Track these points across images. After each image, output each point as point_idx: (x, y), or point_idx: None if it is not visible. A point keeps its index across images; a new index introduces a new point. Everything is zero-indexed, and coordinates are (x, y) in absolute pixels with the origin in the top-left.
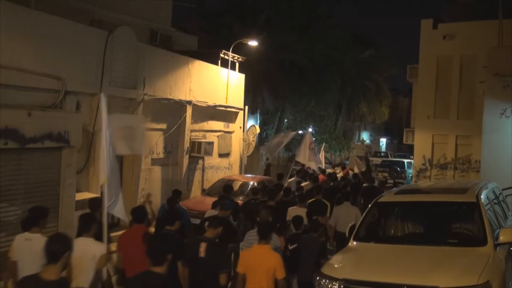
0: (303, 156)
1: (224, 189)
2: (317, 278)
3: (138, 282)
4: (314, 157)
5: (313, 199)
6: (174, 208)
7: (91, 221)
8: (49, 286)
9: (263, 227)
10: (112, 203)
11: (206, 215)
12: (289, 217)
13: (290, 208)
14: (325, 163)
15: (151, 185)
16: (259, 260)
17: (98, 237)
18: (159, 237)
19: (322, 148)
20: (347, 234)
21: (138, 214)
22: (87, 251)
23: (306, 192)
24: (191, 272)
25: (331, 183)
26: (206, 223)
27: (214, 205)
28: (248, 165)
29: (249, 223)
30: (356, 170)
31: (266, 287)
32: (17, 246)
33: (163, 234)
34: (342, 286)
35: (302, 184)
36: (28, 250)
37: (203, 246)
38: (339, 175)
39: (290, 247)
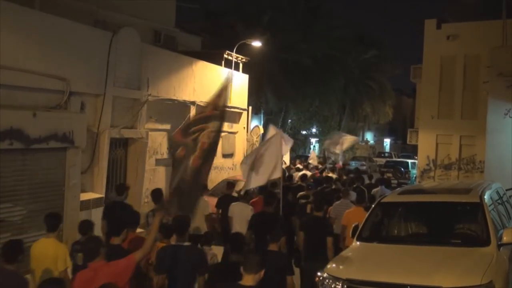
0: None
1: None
2: (321, 278)
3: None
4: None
5: (355, 185)
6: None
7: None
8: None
9: (359, 197)
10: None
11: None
12: None
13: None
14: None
15: (156, 185)
16: (357, 215)
17: None
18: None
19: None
20: (350, 234)
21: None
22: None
23: (349, 181)
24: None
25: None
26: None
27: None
28: None
29: None
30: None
31: None
32: (231, 208)
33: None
34: (345, 286)
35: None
36: (238, 210)
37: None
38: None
39: None
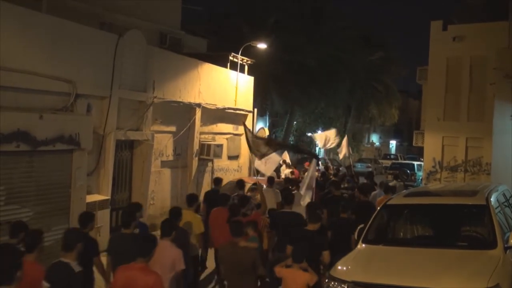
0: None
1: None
2: (326, 280)
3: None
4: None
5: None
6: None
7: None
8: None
9: (386, 189)
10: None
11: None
12: None
13: None
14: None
15: (161, 187)
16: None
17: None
18: None
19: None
20: (355, 236)
21: None
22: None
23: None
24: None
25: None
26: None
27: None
28: None
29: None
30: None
31: None
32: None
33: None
34: None
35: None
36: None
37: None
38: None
39: None
